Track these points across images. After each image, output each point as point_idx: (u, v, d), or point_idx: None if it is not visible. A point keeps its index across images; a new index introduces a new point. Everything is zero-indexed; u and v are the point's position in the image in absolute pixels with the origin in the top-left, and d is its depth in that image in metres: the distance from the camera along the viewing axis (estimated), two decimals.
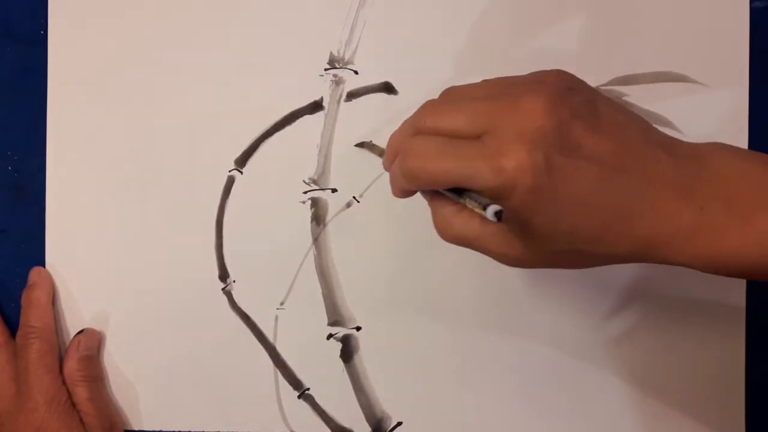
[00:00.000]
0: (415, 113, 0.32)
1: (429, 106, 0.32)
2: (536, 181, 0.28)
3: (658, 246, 0.29)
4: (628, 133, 0.30)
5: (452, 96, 0.32)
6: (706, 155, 0.30)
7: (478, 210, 0.29)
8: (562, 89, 0.30)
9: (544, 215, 0.29)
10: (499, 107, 0.29)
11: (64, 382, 0.42)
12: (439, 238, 0.32)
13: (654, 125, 0.31)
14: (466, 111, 0.30)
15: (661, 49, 0.43)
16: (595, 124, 0.29)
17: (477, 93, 0.31)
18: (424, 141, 0.30)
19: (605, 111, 0.30)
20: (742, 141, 0.42)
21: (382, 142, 0.43)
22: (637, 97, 0.43)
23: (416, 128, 0.31)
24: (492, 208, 0.28)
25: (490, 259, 0.31)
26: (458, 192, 0.30)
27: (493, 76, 0.42)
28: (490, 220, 0.28)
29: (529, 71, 0.41)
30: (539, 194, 0.28)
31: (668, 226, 0.29)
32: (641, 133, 0.30)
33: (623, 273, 0.43)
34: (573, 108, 0.29)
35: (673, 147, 0.31)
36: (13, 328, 0.44)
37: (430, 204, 0.32)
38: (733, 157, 0.31)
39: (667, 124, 0.42)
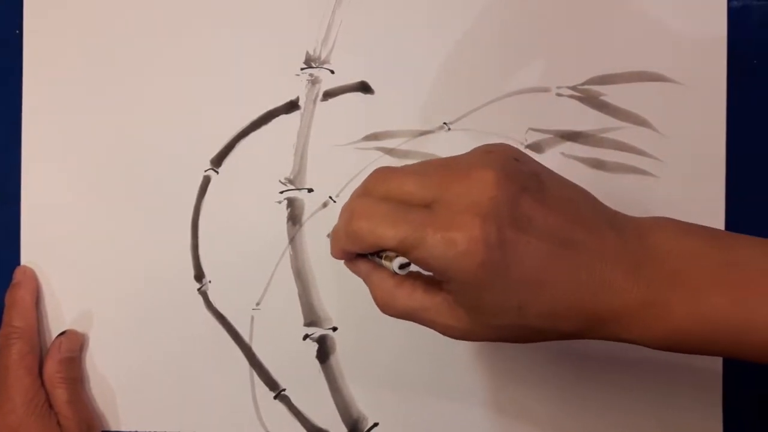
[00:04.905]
0: (366, 178, 0.32)
1: (379, 172, 0.31)
2: (488, 255, 0.27)
3: (608, 323, 0.29)
4: (576, 208, 0.30)
5: (401, 167, 0.32)
6: (651, 231, 0.30)
7: (387, 263, 0.30)
8: (509, 160, 0.30)
9: (493, 289, 0.28)
10: (450, 176, 0.29)
11: (43, 384, 0.42)
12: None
13: (599, 199, 0.31)
14: (417, 177, 0.30)
15: (639, 48, 0.42)
16: (542, 197, 0.29)
17: (428, 163, 0.31)
18: (374, 204, 0.30)
19: (552, 185, 0.30)
20: (719, 140, 0.42)
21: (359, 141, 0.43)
22: (615, 96, 0.42)
23: (366, 191, 0.31)
24: (398, 261, 0.29)
25: None
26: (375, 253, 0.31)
27: (469, 74, 0.43)
28: (398, 273, 0.29)
29: (507, 71, 0.42)
30: (490, 269, 0.28)
31: (617, 302, 0.29)
32: (588, 208, 0.30)
33: None
34: (522, 180, 0.29)
35: (618, 222, 0.30)
36: None
37: (367, 279, 0.32)
38: (678, 232, 0.30)
39: (645, 123, 0.42)
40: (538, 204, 0.29)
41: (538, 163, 0.31)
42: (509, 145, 0.31)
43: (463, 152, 0.31)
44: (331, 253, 0.33)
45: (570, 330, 0.29)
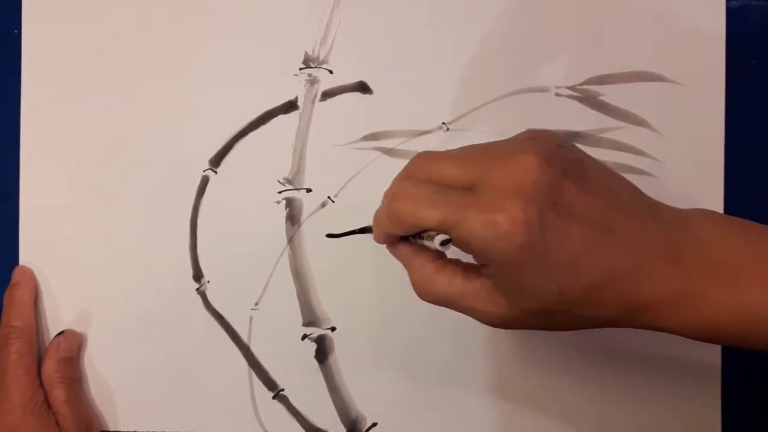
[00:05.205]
0: (408, 162, 0.32)
1: (422, 155, 0.32)
2: (529, 237, 0.28)
3: (646, 310, 0.29)
4: (617, 196, 0.30)
5: (443, 151, 0.32)
6: (693, 221, 0.30)
7: (428, 243, 0.30)
8: (552, 146, 0.30)
9: (533, 273, 0.28)
10: (492, 159, 0.29)
11: (41, 384, 0.42)
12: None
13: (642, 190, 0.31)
14: (459, 161, 0.30)
15: (637, 48, 0.42)
16: (585, 184, 0.29)
17: (470, 148, 0.31)
18: (414, 186, 0.30)
19: (593, 172, 0.30)
20: (718, 140, 0.42)
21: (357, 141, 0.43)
22: (613, 96, 0.42)
23: (408, 174, 0.31)
24: (439, 237, 0.29)
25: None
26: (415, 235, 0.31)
27: (467, 74, 0.43)
28: (439, 250, 0.30)
29: (504, 71, 0.42)
30: (530, 251, 0.28)
31: (657, 290, 0.29)
32: (629, 196, 0.31)
33: None
34: (564, 166, 0.29)
35: (659, 211, 0.31)
36: None
37: (407, 263, 0.33)
38: (717, 224, 0.31)
39: (643, 123, 0.42)
40: (580, 190, 0.29)
41: (581, 150, 0.31)
42: (552, 132, 0.31)
43: None
44: (374, 238, 0.33)
45: (609, 317, 0.30)
